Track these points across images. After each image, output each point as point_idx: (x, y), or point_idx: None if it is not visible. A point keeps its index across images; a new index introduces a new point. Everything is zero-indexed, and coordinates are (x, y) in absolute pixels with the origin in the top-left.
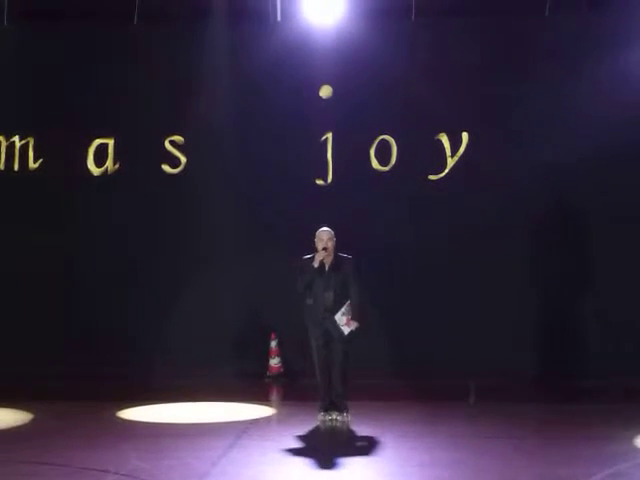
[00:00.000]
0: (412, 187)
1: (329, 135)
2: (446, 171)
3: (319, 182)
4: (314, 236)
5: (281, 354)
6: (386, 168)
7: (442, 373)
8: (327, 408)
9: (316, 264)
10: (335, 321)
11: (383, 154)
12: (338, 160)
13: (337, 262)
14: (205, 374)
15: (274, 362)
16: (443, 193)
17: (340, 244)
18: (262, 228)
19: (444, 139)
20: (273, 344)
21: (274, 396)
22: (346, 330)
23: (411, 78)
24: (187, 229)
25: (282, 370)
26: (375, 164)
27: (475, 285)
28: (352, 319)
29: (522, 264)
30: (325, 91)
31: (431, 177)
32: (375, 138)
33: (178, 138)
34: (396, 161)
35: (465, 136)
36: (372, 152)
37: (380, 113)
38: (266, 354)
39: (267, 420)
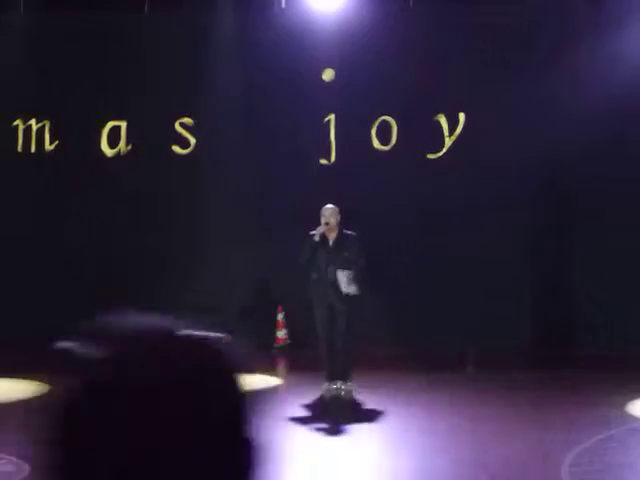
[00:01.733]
0: (411, 166)
1: (332, 116)
2: (444, 150)
3: (323, 162)
4: (319, 213)
5: (288, 326)
6: (387, 148)
7: (442, 343)
8: (331, 378)
9: (316, 237)
10: (337, 280)
11: (384, 134)
12: (341, 140)
13: (341, 238)
14: None
15: (281, 334)
16: (441, 171)
17: (343, 221)
18: (269, 207)
19: (442, 120)
20: (280, 317)
21: (281, 366)
22: (349, 289)
23: (410, 61)
24: (197, 207)
25: (289, 341)
26: (376, 144)
27: (474, 259)
28: (353, 281)
29: (518, 240)
30: (328, 74)
31: (430, 156)
32: (376, 119)
33: (188, 120)
34: (396, 141)
35: (462, 117)
36: (373, 132)
37: (381, 95)
38: (273, 326)
39: (274, 389)
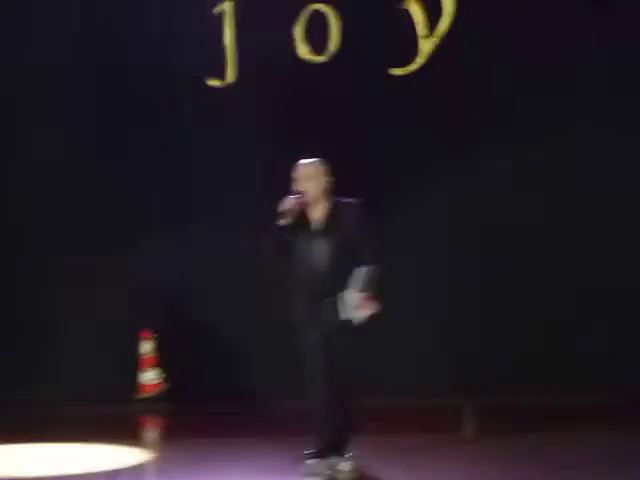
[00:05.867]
0: (364, 87)
1: (227, 4)
2: (419, 60)
3: (213, 82)
4: (207, 176)
5: (162, 363)
6: (321, 57)
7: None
8: (324, 452)
9: (284, 220)
10: (343, 302)
11: (316, 33)
12: (243, 45)
13: (333, 213)
14: (25, 398)
15: (148, 377)
16: (413, 95)
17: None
18: (116, 159)
19: (413, 6)
20: (147, 348)
21: (149, 432)
22: (360, 315)
23: None
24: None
25: (164, 388)
26: (302, 51)
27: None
28: (369, 297)
29: None
30: None
31: (395, 71)
32: (302, 6)
33: None
34: (339, 45)
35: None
36: (298, 30)
37: None
38: (134, 365)
39: (137, 471)
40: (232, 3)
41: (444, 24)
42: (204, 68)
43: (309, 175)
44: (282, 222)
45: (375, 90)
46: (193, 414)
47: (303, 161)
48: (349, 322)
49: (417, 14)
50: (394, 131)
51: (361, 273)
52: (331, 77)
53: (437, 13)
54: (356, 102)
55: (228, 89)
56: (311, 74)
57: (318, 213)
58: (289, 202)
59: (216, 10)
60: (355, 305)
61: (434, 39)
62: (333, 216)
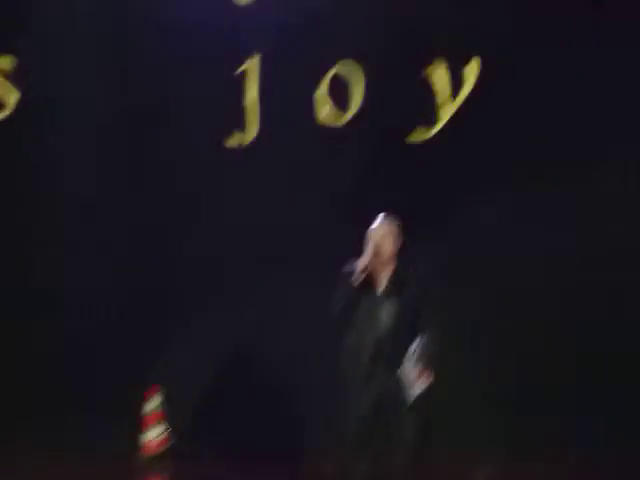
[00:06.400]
0: (384, 152)
1: (251, 63)
2: (439, 125)
3: (232, 142)
4: (218, 236)
5: (169, 418)
6: (341, 121)
7: None
8: None
9: (356, 279)
10: (401, 374)
11: (337, 97)
12: (265, 105)
13: (399, 278)
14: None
15: (154, 434)
16: (437, 160)
17: (259, 244)
18: (136, 217)
19: (440, 72)
20: (153, 405)
21: None
22: (417, 389)
23: None
24: (16, 212)
25: (170, 444)
26: (323, 113)
27: None
28: (425, 369)
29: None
30: None
31: (415, 136)
32: (326, 70)
33: (3, 62)
34: (359, 109)
35: (475, 65)
36: (319, 94)
37: (335, 26)
38: (138, 422)
39: None
40: (256, 62)
41: (465, 91)
42: (223, 129)
43: (389, 234)
44: (354, 281)
45: (394, 155)
46: (202, 473)
47: (381, 219)
48: (406, 395)
49: (440, 80)
50: (413, 195)
51: (415, 346)
52: (351, 140)
53: (459, 80)
54: (375, 166)
55: (248, 151)
56: (331, 136)
57: (386, 274)
58: (363, 262)
59: (239, 69)
60: (411, 380)
61: (455, 105)
62: (399, 278)
